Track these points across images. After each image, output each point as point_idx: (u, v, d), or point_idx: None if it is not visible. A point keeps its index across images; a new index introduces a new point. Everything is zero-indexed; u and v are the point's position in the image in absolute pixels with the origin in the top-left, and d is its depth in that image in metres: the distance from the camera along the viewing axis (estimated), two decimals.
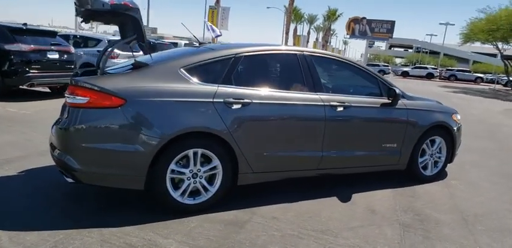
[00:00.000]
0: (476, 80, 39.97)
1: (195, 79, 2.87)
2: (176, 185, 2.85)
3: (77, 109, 2.61)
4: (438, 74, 41.08)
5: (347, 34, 52.57)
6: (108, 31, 54.61)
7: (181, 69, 2.86)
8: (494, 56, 52.28)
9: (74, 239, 2.44)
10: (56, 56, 7.91)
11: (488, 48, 41.86)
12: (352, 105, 3.44)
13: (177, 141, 2.72)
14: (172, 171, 2.79)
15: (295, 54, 3.35)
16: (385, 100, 3.68)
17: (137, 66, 2.90)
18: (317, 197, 3.44)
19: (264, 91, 3.09)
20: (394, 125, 3.77)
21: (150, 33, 26.08)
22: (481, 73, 44.10)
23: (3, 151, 4.11)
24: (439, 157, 4.20)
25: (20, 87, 7.63)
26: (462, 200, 3.71)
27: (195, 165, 2.86)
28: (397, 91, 3.59)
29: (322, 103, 3.29)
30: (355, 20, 51.90)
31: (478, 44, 28.34)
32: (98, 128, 2.61)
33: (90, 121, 2.60)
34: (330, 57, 3.60)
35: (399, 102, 3.72)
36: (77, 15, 3.06)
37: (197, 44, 3.63)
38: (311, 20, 54.13)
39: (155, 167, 2.70)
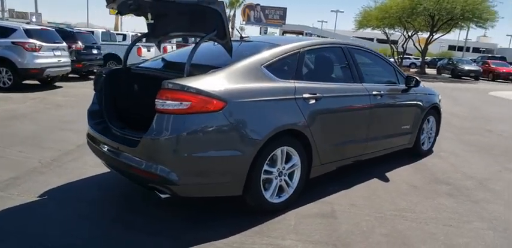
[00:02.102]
0: None
1: (275, 77, 2.78)
2: (264, 185, 2.79)
3: (174, 115, 2.32)
4: None
5: (243, 20, 53.45)
6: None
7: (262, 67, 2.74)
8: (372, 40, 59.05)
9: None
10: None
11: (366, 33, 47.04)
12: (385, 93, 3.72)
13: (270, 140, 2.64)
14: (264, 172, 2.71)
15: (340, 47, 3.47)
16: (403, 87, 4.07)
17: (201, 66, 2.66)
18: (360, 181, 3.65)
19: (327, 85, 3.15)
20: (409, 109, 4.19)
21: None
22: None
23: None
24: (431, 134, 4.82)
25: None
26: (463, 168, 4.34)
27: (281, 163, 2.82)
28: (418, 79, 3.99)
29: (368, 93, 3.49)
30: (250, 7, 53.02)
31: (353, 29, 31.79)
32: (201, 135, 2.37)
33: (191, 128, 2.33)
34: (361, 48, 3.80)
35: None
36: (130, 6, 2.66)
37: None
38: None
39: (253, 169, 2.60)
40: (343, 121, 3.30)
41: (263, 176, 2.70)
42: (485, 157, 4.93)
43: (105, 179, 3.46)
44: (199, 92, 2.34)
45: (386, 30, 27.61)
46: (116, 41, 13.94)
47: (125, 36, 15.04)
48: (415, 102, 4.24)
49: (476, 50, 63.07)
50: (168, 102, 2.32)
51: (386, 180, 3.78)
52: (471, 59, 28.59)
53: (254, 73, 2.68)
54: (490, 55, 33.72)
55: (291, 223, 2.73)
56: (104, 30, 13.92)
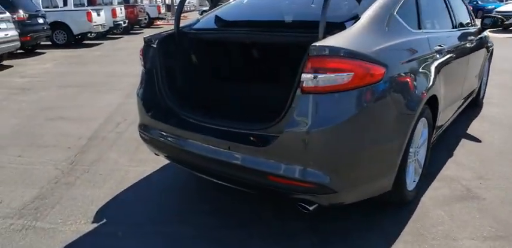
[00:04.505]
0: None
1: (409, 27, 2.04)
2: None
3: (328, 95, 1.55)
4: None
5: None
6: None
7: (395, 14, 1.97)
8: None
9: None
10: None
11: None
12: (472, 38, 3.12)
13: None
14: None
15: None
16: (478, 29, 3.47)
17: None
18: (453, 146, 3.13)
19: (443, 33, 2.48)
20: (481, 54, 3.62)
21: None
22: None
23: None
24: (483, 79, 4.35)
25: None
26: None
27: (418, 140, 2.18)
28: (499, 17, 3.40)
29: (465, 41, 2.87)
30: None
31: None
32: (364, 119, 1.64)
33: (354, 110, 1.59)
34: None
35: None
36: None
37: None
38: None
39: (402, 156, 1.94)
40: (456, 78, 2.69)
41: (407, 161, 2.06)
42: None
43: (162, 180, 2.68)
44: (360, 57, 1.57)
45: None
46: (58, 7, 11.88)
47: (65, 1, 12.87)
48: (485, 46, 3.68)
49: None
50: (320, 75, 1.52)
51: (476, 140, 3.30)
52: None
53: (393, 23, 1.92)
54: None
55: (441, 214, 2.17)
56: None
